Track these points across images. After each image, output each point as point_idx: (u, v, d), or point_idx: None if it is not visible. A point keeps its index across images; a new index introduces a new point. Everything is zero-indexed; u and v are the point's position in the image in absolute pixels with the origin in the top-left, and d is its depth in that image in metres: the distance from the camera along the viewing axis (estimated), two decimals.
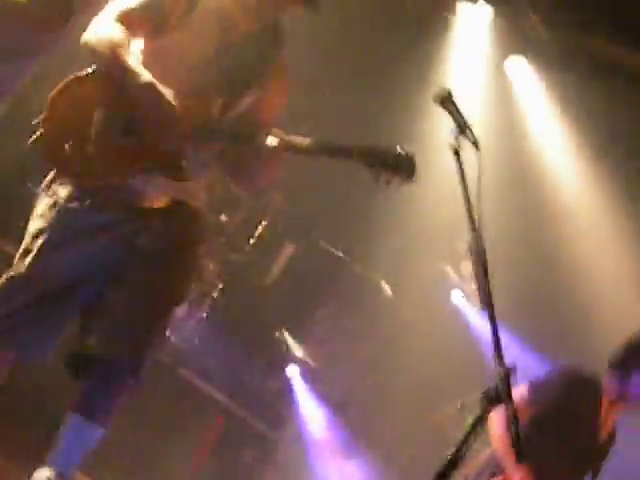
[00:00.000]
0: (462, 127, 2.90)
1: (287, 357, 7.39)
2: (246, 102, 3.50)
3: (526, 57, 7.27)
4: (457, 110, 2.97)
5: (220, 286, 7.04)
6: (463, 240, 2.82)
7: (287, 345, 7.45)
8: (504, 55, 7.33)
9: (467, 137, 2.87)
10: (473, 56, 7.21)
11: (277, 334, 7.49)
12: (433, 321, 7.46)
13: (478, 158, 2.81)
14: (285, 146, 3.31)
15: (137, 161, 3.31)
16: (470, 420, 2.38)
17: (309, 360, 7.45)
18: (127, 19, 3.34)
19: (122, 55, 3.26)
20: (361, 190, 4.00)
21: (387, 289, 7.72)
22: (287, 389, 7.19)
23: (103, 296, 3.37)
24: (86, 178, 3.31)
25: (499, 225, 5.62)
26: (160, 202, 3.41)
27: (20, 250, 3.40)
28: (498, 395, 2.35)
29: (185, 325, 6.74)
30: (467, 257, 3.17)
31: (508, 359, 2.37)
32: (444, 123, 2.95)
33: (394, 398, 7.45)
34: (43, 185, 3.42)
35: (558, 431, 4.37)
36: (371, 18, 6.54)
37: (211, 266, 7.00)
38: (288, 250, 7.65)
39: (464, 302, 7.67)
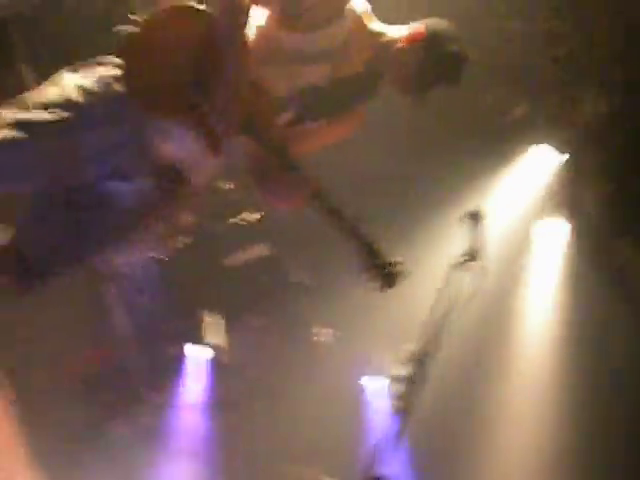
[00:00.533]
0: (475, 252, 3.03)
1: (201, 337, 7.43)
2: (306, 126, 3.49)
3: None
4: (479, 235, 3.10)
5: (186, 242, 7.09)
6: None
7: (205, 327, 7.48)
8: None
9: (475, 263, 2.99)
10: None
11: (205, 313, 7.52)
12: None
13: (478, 281, 2.94)
14: (315, 192, 3.26)
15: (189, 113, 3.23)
16: None
17: (219, 353, 7.48)
18: None
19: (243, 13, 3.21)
20: None
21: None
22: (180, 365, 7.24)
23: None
24: (145, 106, 3.24)
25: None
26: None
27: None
28: None
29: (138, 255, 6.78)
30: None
31: None
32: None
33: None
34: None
35: None
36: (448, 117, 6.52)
37: (188, 219, 7.04)
38: (261, 250, 7.70)
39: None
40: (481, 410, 7.18)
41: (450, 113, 6.06)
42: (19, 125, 3.25)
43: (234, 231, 7.25)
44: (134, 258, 6.70)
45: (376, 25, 3.50)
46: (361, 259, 3.18)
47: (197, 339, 7.38)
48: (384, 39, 3.46)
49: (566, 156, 6.84)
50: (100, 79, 3.28)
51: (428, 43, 3.38)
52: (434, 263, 3.70)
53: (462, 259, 3.08)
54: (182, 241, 7.08)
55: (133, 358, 6.90)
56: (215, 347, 7.42)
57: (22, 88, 3.39)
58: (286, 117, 3.41)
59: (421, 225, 6.71)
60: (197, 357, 7.26)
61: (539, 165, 6.87)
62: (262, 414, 7.55)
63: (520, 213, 6.90)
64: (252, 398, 7.62)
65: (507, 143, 6.73)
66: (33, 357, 6.39)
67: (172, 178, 3.35)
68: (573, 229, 7.03)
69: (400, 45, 3.40)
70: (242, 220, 7.18)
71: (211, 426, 7.33)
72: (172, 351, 7.29)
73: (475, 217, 3.10)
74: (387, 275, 3.17)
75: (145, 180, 3.35)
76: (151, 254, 6.79)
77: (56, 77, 3.33)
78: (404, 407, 2.78)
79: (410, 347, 2.92)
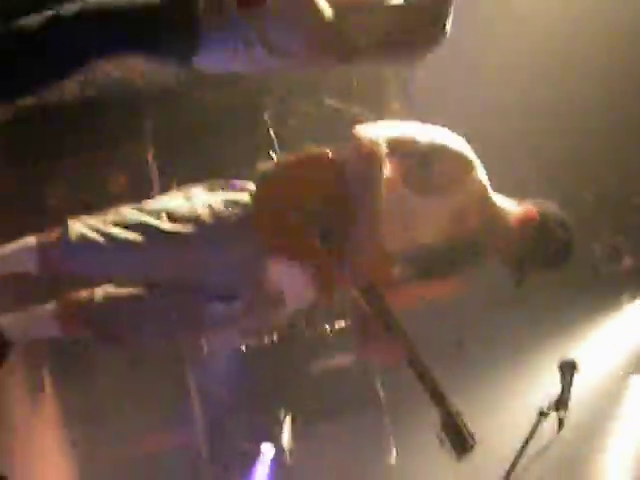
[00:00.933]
0: (563, 401, 3.01)
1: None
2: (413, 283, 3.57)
3: None
4: (570, 385, 3.08)
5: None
6: None
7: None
8: None
9: (560, 413, 2.97)
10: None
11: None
12: None
13: (555, 434, 2.93)
14: (410, 355, 3.34)
15: (307, 261, 3.40)
16: None
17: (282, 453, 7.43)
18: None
19: (379, 179, 3.32)
20: None
21: None
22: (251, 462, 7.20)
23: None
24: (265, 236, 3.40)
25: None
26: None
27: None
28: None
29: None
30: None
31: None
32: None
33: None
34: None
35: None
36: None
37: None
38: (348, 359, 7.68)
39: None
40: None
41: None
42: (141, 226, 3.44)
43: (324, 338, 7.29)
44: (221, 346, 6.80)
45: (494, 197, 3.57)
46: (441, 424, 3.26)
47: (268, 437, 7.34)
48: (498, 211, 3.55)
49: None
50: (228, 203, 3.46)
51: (539, 227, 3.47)
52: (520, 408, 3.70)
53: (549, 408, 3.06)
54: (270, 338, 7.13)
55: (204, 448, 6.90)
56: (280, 447, 7.37)
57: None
58: (397, 273, 3.47)
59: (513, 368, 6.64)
60: (265, 455, 7.20)
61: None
62: None
63: (614, 366, 6.78)
64: None
65: (610, 293, 6.66)
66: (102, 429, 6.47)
67: (269, 301, 3.51)
68: None
69: (512, 224, 3.48)
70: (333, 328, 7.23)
71: None
72: (244, 447, 7.27)
73: (569, 367, 3.08)
74: (462, 445, 3.25)
75: (243, 299, 3.48)
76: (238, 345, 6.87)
77: (187, 190, 3.54)
78: None
79: None
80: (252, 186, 3.48)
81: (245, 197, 3.46)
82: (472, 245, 3.55)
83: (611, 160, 6.62)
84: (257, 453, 7.19)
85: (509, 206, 3.56)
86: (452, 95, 5.93)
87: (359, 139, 3.35)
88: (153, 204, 3.56)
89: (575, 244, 3.48)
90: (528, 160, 6.49)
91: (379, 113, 6.06)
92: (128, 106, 5.99)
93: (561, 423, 2.99)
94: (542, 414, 3.02)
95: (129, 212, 3.51)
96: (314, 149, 3.53)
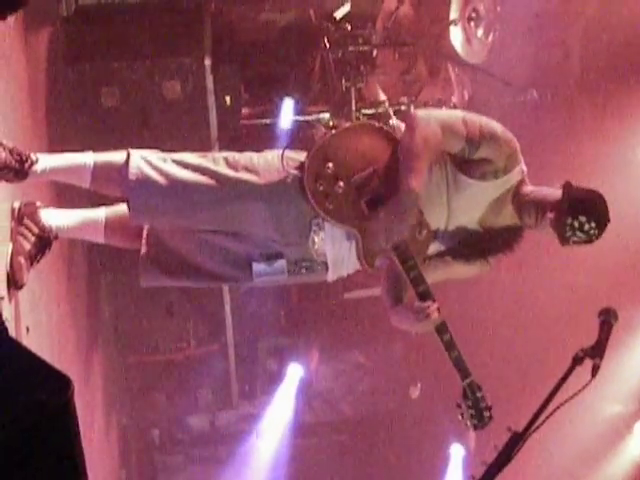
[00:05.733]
0: (599, 350, 3.01)
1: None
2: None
3: None
4: (608, 333, 3.07)
5: None
6: None
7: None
8: None
9: (595, 360, 2.97)
10: None
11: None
12: None
13: (586, 383, 2.93)
14: (437, 324, 3.47)
15: (353, 228, 3.53)
16: None
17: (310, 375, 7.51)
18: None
19: (427, 156, 3.47)
20: None
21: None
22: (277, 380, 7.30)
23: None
24: (317, 202, 3.50)
25: None
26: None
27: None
28: None
29: None
30: None
31: None
32: None
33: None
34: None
35: None
36: None
37: None
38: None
39: None
40: None
41: None
42: (200, 169, 3.53)
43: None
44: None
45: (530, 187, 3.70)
46: (462, 395, 3.48)
47: (295, 358, 7.44)
48: (537, 193, 3.66)
49: None
50: (288, 160, 3.56)
51: (578, 191, 3.56)
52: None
53: (583, 353, 3.04)
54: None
55: (231, 361, 7.00)
56: (307, 369, 7.45)
57: None
58: (432, 248, 3.64)
59: None
60: (293, 376, 7.29)
61: None
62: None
63: None
64: (328, 428, 7.64)
65: None
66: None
67: (308, 268, 3.61)
68: None
69: (555, 195, 3.58)
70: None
71: (286, 449, 7.36)
72: (271, 365, 7.36)
73: (609, 315, 3.07)
74: (480, 417, 3.48)
75: (288, 259, 3.63)
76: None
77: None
78: None
79: None
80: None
81: (303, 157, 3.56)
82: (504, 233, 3.70)
83: None
84: (284, 374, 7.29)
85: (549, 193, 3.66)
86: None
87: (413, 118, 3.52)
88: (212, 154, 3.67)
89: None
90: None
91: None
92: (189, 15, 5.98)
93: (595, 370, 2.97)
94: (576, 360, 3.00)
95: (188, 155, 3.59)
96: (373, 122, 3.68)
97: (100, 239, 3.85)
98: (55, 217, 3.73)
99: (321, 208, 3.49)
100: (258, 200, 3.51)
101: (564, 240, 3.52)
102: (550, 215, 3.55)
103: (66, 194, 4.42)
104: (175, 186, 3.51)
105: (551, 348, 5.96)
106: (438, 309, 3.44)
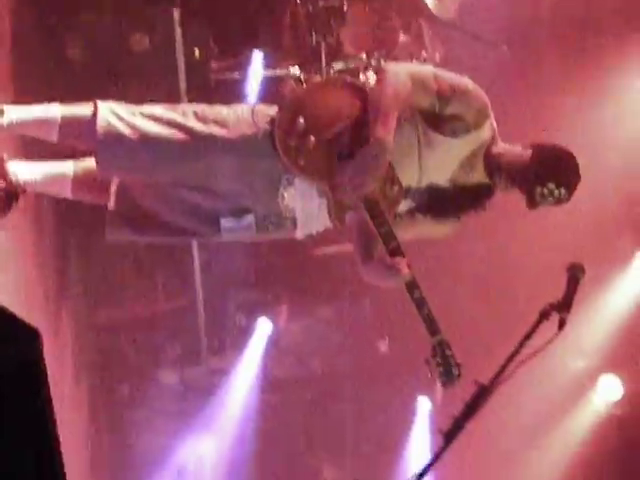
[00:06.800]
0: (566, 304, 3.03)
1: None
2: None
3: None
4: (576, 287, 3.10)
5: None
6: None
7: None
8: None
9: (562, 313, 3.00)
10: None
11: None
12: None
13: (553, 336, 2.95)
14: (408, 280, 3.48)
15: (323, 182, 3.53)
16: None
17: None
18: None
19: (396, 108, 3.46)
20: None
21: None
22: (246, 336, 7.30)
23: None
24: (288, 158, 3.49)
25: None
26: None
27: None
28: None
29: None
30: None
31: None
32: None
33: None
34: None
35: None
36: None
37: None
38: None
39: None
40: None
41: None
42: (168, 122, 3.52)
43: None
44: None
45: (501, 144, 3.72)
46: (431, 351, 3.49)
47: (264, 313, 7.41)
48: (507, 151, 3.69)
49: None
50: (257, 113, 3.58)
51: (545, 148, 3.62)
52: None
53: (550, 308, 3.06)
54: None
55: (200, 316, 6.99)
56: (276, 324, 7.43)
57: None
58: (403, 205, 3.66)
59: None
60: (262, 331, 7.28)
61: None
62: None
63: None
64: (297, 383, 7.65)
65: None
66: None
67: (276, 224, 3.59)
68: None
69: (521, 152, 3.63)
70: None
71: (255, 403, 7.37)
72: (240, 320, 7.35)
73: (577, 270, 3.09)
74: (449, 374, 3.49)
75: (256, 214, 3.63)
76: None
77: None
78: None
79: None
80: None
81: (274, 112, 3.54)
82: (475, 190, 3.71)
83: None
84: (253, 329, 7.29)
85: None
86: None
87: (383, 71, 3.53)
88: (181, 106, 3.66)
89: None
90: None
91: None
92: None
93: (562, 324, 3.00)
94: (543, 314, 3.02)
95: (158, 108, 3.54)
96: (342, 76, 3.87)
97: (68, 194, 3.81)
98: (22, 170, 3.69)
99: (292, 163, 3.46)
100: (227, 154, 3.48)
101: (532, 205, 3.54)
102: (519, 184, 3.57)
103: (34, 145, 4.37)
104: (145, 141, 3.47)
105: (519, 303, 6.02)
106: (408, 265, 3.46)
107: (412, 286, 3.49)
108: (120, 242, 3.87)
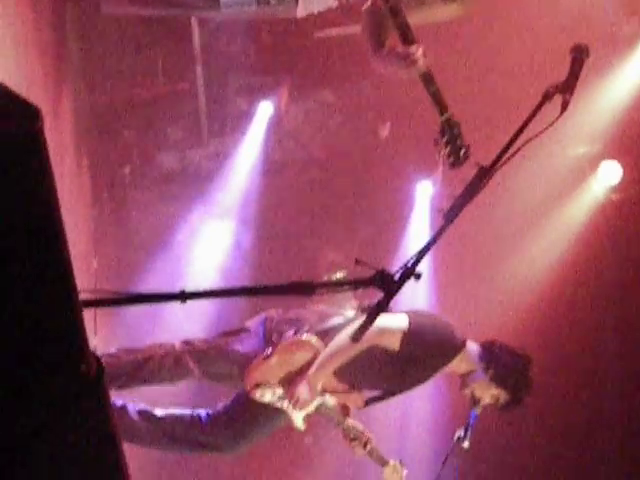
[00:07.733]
0: (569, 85, 3.00)
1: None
2: None
3: None
4: (578, 72, 3.06)
5: None
6: None
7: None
8: None
9: (565, 95, 2.98)
10: None
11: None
12: None
13: (556, 118, 2.93)
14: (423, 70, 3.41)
15: None
16: None
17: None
18: None
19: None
20: None
21: None
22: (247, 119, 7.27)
23: None
24: None
25: None
26: None
27: None
28: None
29: None
30: None
31: None
32: None
33: None
34: None
35: (394, 370, 4.34)
36: None
37: None
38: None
39: None
40: None
41: None
42: None
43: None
44: None
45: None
46: (440, 129, 3.41)
47: (266, 97, 7.32)
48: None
49: None
50: None
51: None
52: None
53: (553, 89, 3.03)
54: None
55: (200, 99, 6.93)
56: (277, 107, 7.37)
57: None
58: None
59: None
60: (263, 114, 7.23)
61: None
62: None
63: None
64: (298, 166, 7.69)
65: None
66: None
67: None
68: None
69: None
70: None
71: (255, 186, 7.43)
72: (241, 103, 7.30)
73: (581, 51, 3.03)
74: (456, 154, 3.44)
75: None
76: None
77: None
78: None
79: None
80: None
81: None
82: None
83: None
84: (254, 112, 7.25)
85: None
86: None
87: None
88: None
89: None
90: None
91: None
92: None
93: (565, 105, 2.95)
94: (546, 95, 2.97)
95: None
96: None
97: None
98: None
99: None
100: None
101: None
102: None
103: None
104: None
105: (525, 87, 5.96)
106: (424, 53, 3.36)
107: (425, 75, 3.41)
108: (117, 14, 3.74)
